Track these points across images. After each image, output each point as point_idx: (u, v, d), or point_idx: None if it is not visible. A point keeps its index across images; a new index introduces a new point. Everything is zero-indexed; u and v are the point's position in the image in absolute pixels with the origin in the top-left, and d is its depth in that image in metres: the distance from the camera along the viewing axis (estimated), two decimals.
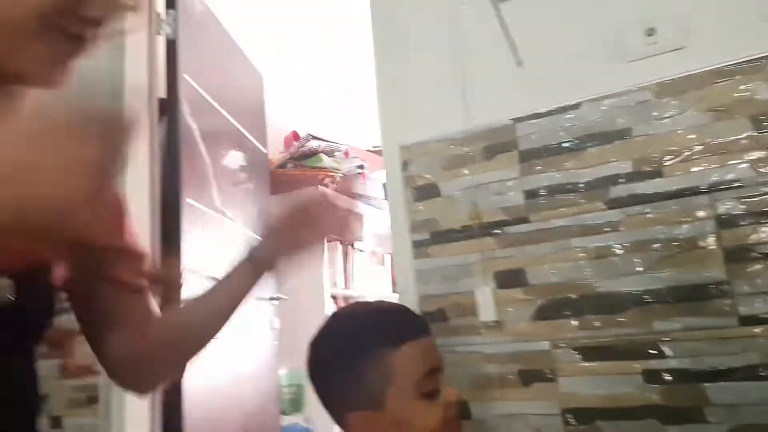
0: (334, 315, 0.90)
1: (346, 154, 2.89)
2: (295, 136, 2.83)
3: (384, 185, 3.21)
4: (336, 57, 2.86)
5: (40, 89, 0.52)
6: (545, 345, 1.12)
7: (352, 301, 2.88)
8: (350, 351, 0.78)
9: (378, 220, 3.07)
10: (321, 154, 2.68)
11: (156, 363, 0.67)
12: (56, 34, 0.48)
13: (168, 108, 1.73)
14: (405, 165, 1.33)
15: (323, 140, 2.73)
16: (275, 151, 2.72)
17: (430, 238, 1.29)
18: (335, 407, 0.79)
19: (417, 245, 1.29)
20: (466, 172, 1.28)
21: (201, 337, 0.68)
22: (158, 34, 1.74)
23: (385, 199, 3.09)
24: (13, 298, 0.50)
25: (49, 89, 0.52)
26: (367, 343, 0.78)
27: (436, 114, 1.33)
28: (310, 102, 3.13)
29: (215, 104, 1.96)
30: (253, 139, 2.29)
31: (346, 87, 3.05)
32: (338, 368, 0.78)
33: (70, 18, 0.48)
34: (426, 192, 1.30)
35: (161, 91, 1.76)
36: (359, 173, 2.95)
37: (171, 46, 1.72)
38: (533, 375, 1.12)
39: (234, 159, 2.15)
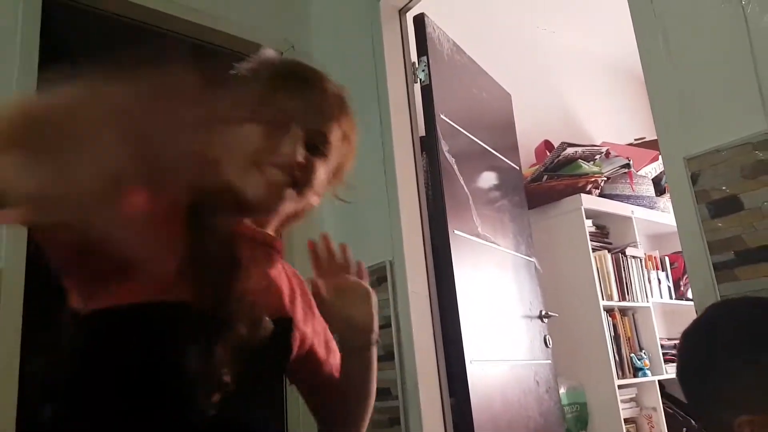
0: (723, 304, 0.84)
1: (607, 154, 2.74)
2: (548, 145, 2.79)
3: (653, 181, 2.95)
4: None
5: (260, 216, 0.70)
6: None
7: (629, 312, 2.70)
8: (755, 344, 0.70)
9: (650, 220, 2.83)
10: (579, 160, 2.60)
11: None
12: (269, 169, 0.66)
13: (428, 146, 1.89)
14: (694, 178, 1.21)
15: (579, 146, 2.64)
16: (527, 164, 2.73)
17: (736, 258, 1.15)
18: (716, 408, 0.71)
19: (719, 267, 1.16)
20: None
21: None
22: (414, 82, 1.92)
23: (658, 195, 2.85)
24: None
25: (267, 216, 0.70)
26: None
27: (728, 115, 1.18)
28: (557, 110, 3.07)
29: (469, 135, 2.07)
30: (505, 158, 2.34)
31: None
32: (733, 363, 0.70)
33: (274, 157, 0.66)
34: (725, 206, 1.17)
35: (421, 130, 1.94)
36: (625, 173, 2.77)
37: (426, 90, 1.88)
38: None
39: (488, 180, 2.23)
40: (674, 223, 1.29)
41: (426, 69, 1.88)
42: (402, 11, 2.00)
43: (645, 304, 2.72)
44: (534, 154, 2.89)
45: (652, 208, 2.84)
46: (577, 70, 3.26)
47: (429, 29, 1.91)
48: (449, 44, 2.04)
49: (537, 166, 2.69)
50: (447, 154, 1.88)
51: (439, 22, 1.99)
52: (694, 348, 0.75)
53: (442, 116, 1.88)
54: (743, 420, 0.67)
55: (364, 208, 1.95)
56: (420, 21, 1.91)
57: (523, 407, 1.93)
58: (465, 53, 2.13)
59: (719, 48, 1.20)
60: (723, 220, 1.17)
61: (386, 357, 1.75)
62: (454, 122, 1.97)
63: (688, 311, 1.60)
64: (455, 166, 1.91)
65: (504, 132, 2.41)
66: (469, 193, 1.99)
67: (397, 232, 1.82)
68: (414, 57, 1.96)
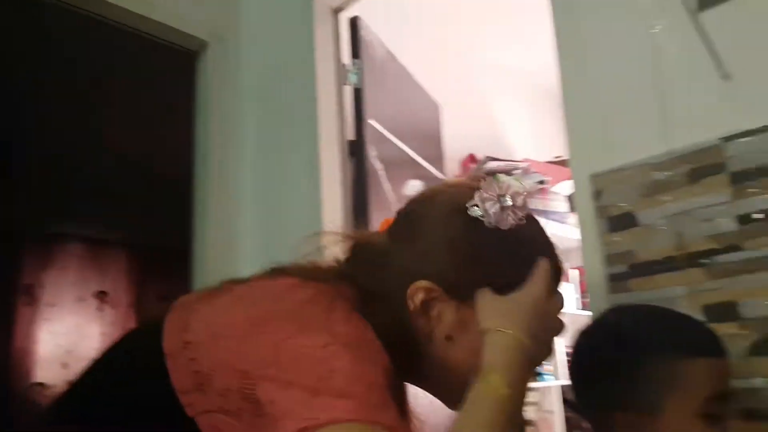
0: (616, 309, 0.89)
1: (526, 170, 2.90)
2: (472, 159, 2.92)
3: (569, 198, 3.14)
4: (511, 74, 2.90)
5: None
6: (760, 382, 1.04)
7: None
8: (635, 348, 0.76)
9: (560, 235, 3.01)
10: (498, 174, 2.72)
11: None
12: None
13: (356, 150, 1.94)
14: (597, 195, 1.33)
15: (501, 160, 2.78)
16: (452, 176, 2.83)
17: (630, 271, 1.26)
18: (598, 404, 0.77)
19: (614, 278, 1.28)
20: (668, 198, 1.24)
21: None
22: (345, 84, 1.96)
23: (571, 211, 3.04)
24: None
25: None
26: (659, 344, 0.76)
27: (632, 137, 1.30)
28: (484, 124, 3.20)
29: (398, 142, 2.14)
30: (432, 168, 2.43)
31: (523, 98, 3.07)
32: (615, 363, 0.76)
33: None
34: (621, 222, 1.29)
35: (350, 134, 1.98)
36: (540, 188, 2.94)
37: (357, 94, 1.92)
38: (746, 414, 1.05)
39: (414, 188, 2.30)
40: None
41: (358, 72, 1.93)
42: (336, 11, 2.03)
43: None
44: (460, 166, 3.01)
45: (562, 222, 3.03)
46: (505, 86, 3.41)
47: (363, 32, 1.96)
48: (383, 50, 2.10)
49: (460, 177, 2.81)
50: (374, 160, 1.93)
51: (374, 26, 2.05)
52: (587, 344, 0.81)
53: (371, 121, 1.93)
54: (622, 416, 0.74)
55: (287, 209, 1.96)
56: (355, 23, 1.96)
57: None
58: (397, 60, 2.20)
59: (631, 71, 1.32)
60: (619, 234, 1.28)
61: None
62: (383, 128, 2.02)
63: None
64: (382, 172, 1.97)
65: (431, 142, 2.50)
66: (395, 200, 2.05)
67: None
68: (346, 59, 2.00)
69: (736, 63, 1.18)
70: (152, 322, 0.64)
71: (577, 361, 0.83)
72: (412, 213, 0.71)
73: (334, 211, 1.85)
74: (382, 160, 1.97)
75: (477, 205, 0.65)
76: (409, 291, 0.64)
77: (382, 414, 0.50)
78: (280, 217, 1.98)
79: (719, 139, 1.18)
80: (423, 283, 0.64)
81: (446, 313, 0.64)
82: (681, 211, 1.21)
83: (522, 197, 0.67)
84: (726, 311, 1.12)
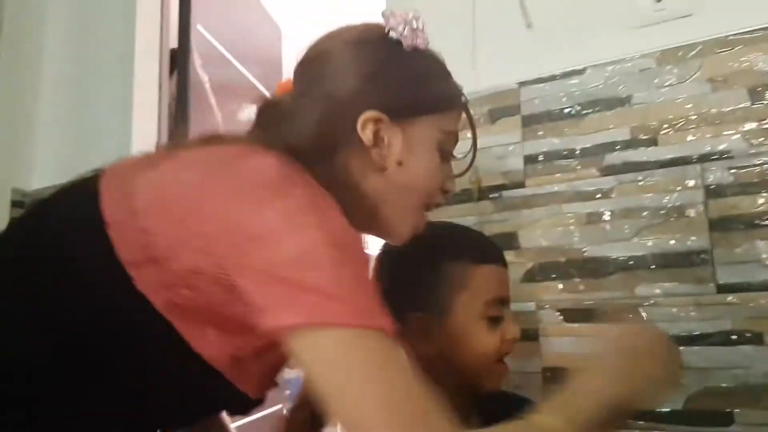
0: None
1: None
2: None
3: None
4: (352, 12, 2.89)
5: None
6: (531, 306, 1.21)
7: None
8: (432, 254, 0.81)
9: None
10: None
11: None
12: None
13: (179, 58, 1.83)
14: None
15: None
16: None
17: None
18: (399, 303, 0.82)
19: None
20: (469, 135, 1.34)
21: None
22: None
23: None
24: None
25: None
26: (452, 251, 0.82)
27: None
28: None
29: (229, 57, 2.05)
30: (268, 93, 2.38)
31: None
32: (415, 267, 0.81)
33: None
34: None
35: (173, 42, 1.85)
36: None
37: None
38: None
39: (242, 109, 2.24)
40: None
41: None
42: None
43: None
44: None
45: None
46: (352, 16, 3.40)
47: None
48: None
49: None
50: (199, 69, 1.83)
51: None
52: (391, 249, 0.85)
53: (199, 27, 1.83)
54: (416, 315, 0.80)
55: (95, 103, 1.80)
56: None
57: None
58: None
59: (450, 15, 1.39)
60: None
61: None
62: (213, 38, 1.92)
63: None
64: (207, 85, 1.88)
65: (269, 66, 2.43)
66: (220, 117, 1.98)
67: (125, 145, 1.71)
68: None
69: (539, 13, 1.31)
70: (81, 189, 0.56)
71: (380, 267, 0.88)
72: (322, 55, 0.68)
73: (147, 115, 1.74)
74: (210, 73, 1.88)
75: (393, 29, 0.67)
76: (359, 125, 0.63)
77: (376, 318, 0.48)
78: (86, 111, 1.81)
79: (516, 83, 1.30)
80: (370, 113, 0.63)
81: (394, 139, 0.64)
82: (480, 147, 1.32)
83: (422, 20, 0.69)
84: (508, 241, 1.26)
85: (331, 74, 0.64)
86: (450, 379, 0.73)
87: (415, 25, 0.68)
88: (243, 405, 0.59)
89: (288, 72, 2.35)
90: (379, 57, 0.65)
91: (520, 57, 1.32)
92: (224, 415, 0.81)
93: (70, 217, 0.55)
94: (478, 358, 0.80)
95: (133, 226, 0.50)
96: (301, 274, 0.45)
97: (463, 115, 0.76)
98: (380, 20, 0.69)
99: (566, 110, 1.24)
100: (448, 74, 0.72)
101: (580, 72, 1.23)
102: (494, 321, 0.81)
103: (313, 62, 0.68)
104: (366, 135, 0.63)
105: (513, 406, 0.61)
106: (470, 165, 0.80)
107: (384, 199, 0.67)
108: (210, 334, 0.52)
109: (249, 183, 0.51)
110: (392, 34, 0.66)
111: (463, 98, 0.74)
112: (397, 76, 0.66)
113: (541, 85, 1.28)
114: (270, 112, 0.67)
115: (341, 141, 0.62)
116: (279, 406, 1.92)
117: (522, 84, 1.30)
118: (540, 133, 1.27)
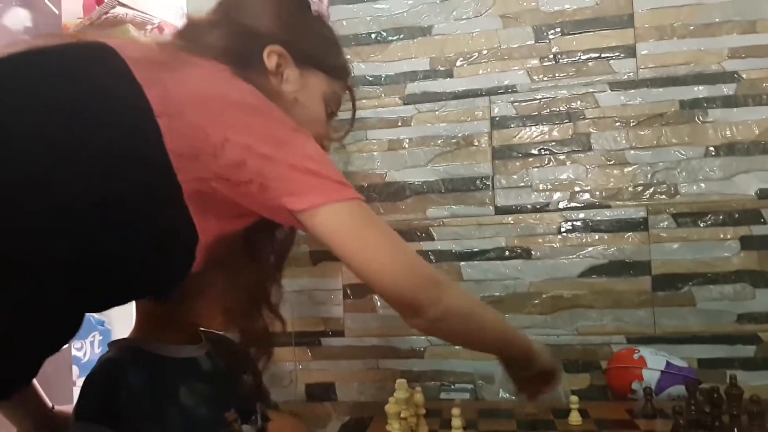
0: None
1: (160, 29, 2.72)
2: (98, 0, 2.58)
3: None
4: None
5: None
6: None
7: None
8: None
9: None
10: (129, 25, 2.49)
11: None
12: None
13: None
14: None
15: (132, 9, 2.53)
16: (72, 15, 2.47)
17: None
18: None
19: None
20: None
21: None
22: None
23: None
24: None
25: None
26: None
27: None
28: None
29: None
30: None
31: None
32: None
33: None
34: None
35: None
36: None
37: None
38: (322, 255, 1.27)
39: (15, 16, 1.93)
40: None
41: None
42: None
43: None
44: (83, 6, 2.64)
45: None
46: None
47: None
48: None
49: (82, 19, 2.47)
50: None
51: None
52: None
53: None
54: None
55: None
56: None
57: None
58: None
59: None
60: None
61: None
62: None
63: None
64: None
65: None
66: None
67: None
68: None
69: None
70: (111, 69, 0.59)
71: None
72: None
73: None
74: None
75: None
76: (265, 53, 0.71)
77: (352, 190, 0.63)
78: None
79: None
80: (276, 47, 0.72)
81: (292, 76, 0.74)
82: None
83: None
84: None
85: (249, 10, 0.75)
86: None
87: None
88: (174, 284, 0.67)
89: None
90: (291, 9, 0.77)
91: None
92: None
93: (112, 100, 0.57)
94: None
95: (182, 121, 0.57)
96: (318, 167, 0.60)
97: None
98: None
99: (373, 35, 1.27)
100: (342, 50, 0.84)
101: None
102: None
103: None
104: (270, 62, 0.72)
105: None
106: (347, 132, 0.92)
107: None
108: (211, 220, 0.61)
109: (261, 100, 0.64)
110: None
111: (350, 78, 0.85)
112: (304, 29, 0.77)
113: (351, 6, 1.29)
114: (192, 29, 0.75)
115: (251, 63, 0.71)
116: None
117: (331, 2, 1.30)
118: (347, 56, 1.29)
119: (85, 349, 1.98)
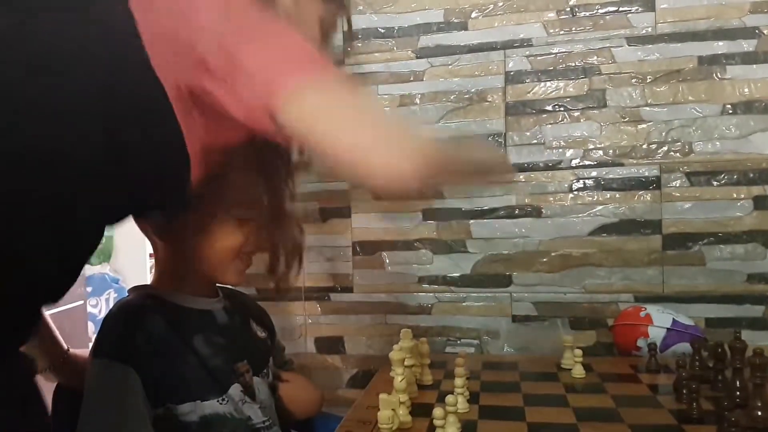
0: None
1: None
2: None
3: None
4: None
5: None
6: (344, 185, 1.27)
7: None
8: None
9: None
10: None
11: None
12: None
13: None
14: None
15: None
16: None
17: None
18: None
19: None
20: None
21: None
22: None
23: None
24: None
25: None
26: None
27: None
28: None
29: None
30: None
31: None
32: None
33: None
34: None
35: None
36: None
37: None
38: (331, 213, 1.29)
39: None
40: None
41: None
42: None
43: None
44: None
45: None
46: None
47: None
48: None
49: None
50: None
51: None
52: None
53: None
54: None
55: None
56: None
57: None
58: None
59: None
60: None
61: None
62: None
63: None
64: None
65: None
66: None
67: None
68: None
69: None
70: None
71: None
72: None
73: None
74: None
75: None
76: None
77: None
78: None
79: None
80: None
81: None
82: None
83: None
84: None
85: None
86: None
87: None
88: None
89: None
90: None
91: None
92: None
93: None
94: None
95: (158, 13, 0.58)
96: (298, 55, 0.58)
97: None
98: None
99: None
100: None
101: None
102: (241, 224, 0.79)
103: None
104: None
105: None
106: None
107: None
108: (198, 123, 0.61)
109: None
110: None
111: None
112: None
113: None
114: None
115: None
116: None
117: None
118: (360, 7, 1.28)
119: (100, 306, 2.04)
